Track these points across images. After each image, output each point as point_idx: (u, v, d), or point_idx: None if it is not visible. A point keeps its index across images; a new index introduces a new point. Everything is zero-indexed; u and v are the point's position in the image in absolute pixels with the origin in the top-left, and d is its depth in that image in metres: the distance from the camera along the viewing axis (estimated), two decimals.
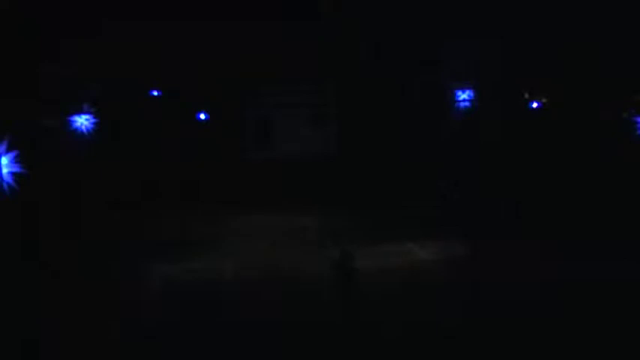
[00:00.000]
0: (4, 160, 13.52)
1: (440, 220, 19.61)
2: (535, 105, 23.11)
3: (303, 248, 17.04)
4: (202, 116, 23.57)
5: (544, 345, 9.75)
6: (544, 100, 22.81)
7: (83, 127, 19.91)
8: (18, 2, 15.83)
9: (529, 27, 19.66)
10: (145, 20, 18.96)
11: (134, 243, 17.45)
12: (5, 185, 13.46)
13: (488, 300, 12.01)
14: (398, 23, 20.16)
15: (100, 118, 20.11)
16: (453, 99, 24.40)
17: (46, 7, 16.61)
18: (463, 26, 20.41)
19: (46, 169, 15.82)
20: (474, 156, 22.54)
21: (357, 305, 11.45)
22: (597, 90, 19.67)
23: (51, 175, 16.67)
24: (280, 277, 14.20)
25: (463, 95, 24.35)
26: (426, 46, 21.56)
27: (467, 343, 9.95)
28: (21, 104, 15.65)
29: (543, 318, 10.71)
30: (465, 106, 24.33)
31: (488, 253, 15.44)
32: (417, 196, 22.44)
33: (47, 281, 13.88)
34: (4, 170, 13.47)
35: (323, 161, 24.15)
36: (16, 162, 13.65)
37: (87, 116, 20.00)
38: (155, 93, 22.42)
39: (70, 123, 19.63)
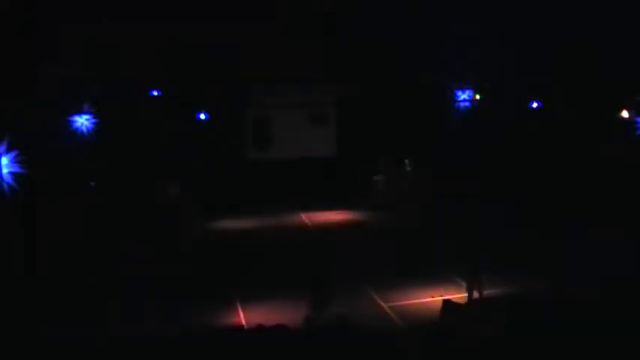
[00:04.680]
0: (4, 160, 13.53)
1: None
2: (535, 105, 23.11)
3: None
4: (202, 116, 23.54)
5: None
6: (544, 100, 22.80)
7: (83, 127, 19.92)
8: (18, 2, 15.81)
9: (529, 27, 19.64)
10: (146, 20, 18.93)
11: None
12: (5, 185, 13.47)
13: None
14: (398, 23, 20.14)
15: (100, 118, 20.12)
16: (453, 99, 24.39)
17: (46, 7, 16.59)
18: (463, 25, 20.40)
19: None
20: (473, 156, 22.55)
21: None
22: (597, 90, 19.66)
23: None
24: None
25: (463, 95, 24.34)
26: (426, 46, 21.54)
27: None
28: (21, 104, 15.64)
29: None
30: (465, 106, 24.32)
31: None
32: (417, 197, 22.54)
33: None
34: (4, 170, 13.48)
35: (323, 161, 24.17)
36: (16, 162, 13.66)
37: (87, 116, 20.01)
38: (155, 93, 22.35)
39: (69, 123, 19.65)
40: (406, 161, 23.22)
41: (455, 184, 21.89)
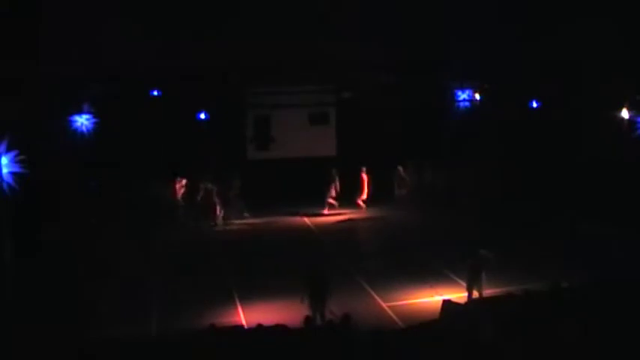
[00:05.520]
0: (4, 160, 13.53)
1: None
2: (535, 105, 23.08)
3: None
4: (202, 116, 23.50)
5: None
6: (544, 100, 22.77)
7: (83, 127, 19.93)
8: (18, 2, 15.82)
9: (529, 27, 19.62)
10: (146, 20, 18.91)
11: None
12: (5, 185, 13.47)
13: None
14: (397, 23, 20.12)
15: (100, 118, 20.11)
16: (453, 99, 24.35)
17: (46, 7, 16.60)
18: (464, 26, 20.38)
19: None
20: (473, 156, 22.53)
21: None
22: (597, 90, 19.65)
23: None
24: None
25: (463, 95, 24.30)
26: (426, 46, 21.52)
27: None
28: (21, 104, 15.65)
29: None
30: (465, 106, 24.28)
31: None
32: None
33: None
34: (4, 170, 13.48)
35: (323, 161, 24.14)
36: (16, 162, 13.67)
37: (87, 116, 20.01)
38: (155, 93, 22.31)
39: (69, 123, 19.65)
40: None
41: (455, 184, 21.89)
